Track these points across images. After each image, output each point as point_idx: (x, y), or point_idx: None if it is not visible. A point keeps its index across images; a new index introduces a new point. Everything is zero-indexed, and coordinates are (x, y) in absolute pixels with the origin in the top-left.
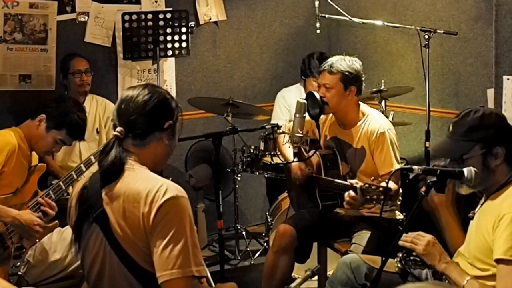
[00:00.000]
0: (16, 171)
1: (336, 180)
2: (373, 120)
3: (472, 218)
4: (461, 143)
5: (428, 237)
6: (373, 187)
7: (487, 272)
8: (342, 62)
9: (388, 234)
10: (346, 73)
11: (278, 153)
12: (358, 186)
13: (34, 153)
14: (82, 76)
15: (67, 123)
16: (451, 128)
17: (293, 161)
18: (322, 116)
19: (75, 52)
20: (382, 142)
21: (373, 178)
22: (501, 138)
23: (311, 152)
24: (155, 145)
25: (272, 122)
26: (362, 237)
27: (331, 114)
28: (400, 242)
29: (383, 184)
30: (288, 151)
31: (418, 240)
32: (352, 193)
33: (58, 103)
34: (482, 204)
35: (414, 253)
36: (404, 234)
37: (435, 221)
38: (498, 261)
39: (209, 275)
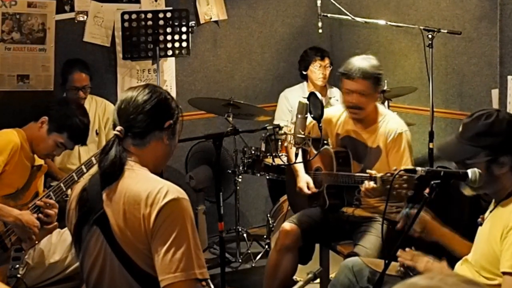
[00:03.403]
0: (18, 170)
1: (355, 174)
2: (391, 121)
3: (480, 224)
4: (467, 147)
5: (426, 258)
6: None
7: (493, 282)
8: (366, 64)
9: (391, 235)
10: (376, 75)
11: (280, 155)
12: (378, 176)
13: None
14: (78, 93)
15: (68, 127)
16: (460, 128)
17: (295, 162)
18: (335, 114)
19: (74, 56)
20: (399, 143)
21: (395, 168)
22: (509, 147)
23: (319, 150)
24: (155, 145)
25: (274, 122)
26: (366, 238)
27: (343, 112)
28: (400, 260)
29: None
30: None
31: (417, 259)
32: (371, 183)
33: (61, 106)
34: (491, 211)
35: None
36: (401, 251)
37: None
38: (506, 274)
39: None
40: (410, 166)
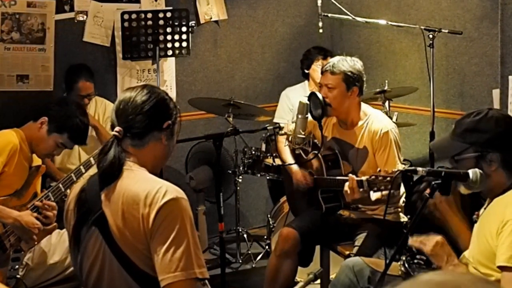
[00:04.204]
0: (16, 171)
1: (338, 177)
2: (376, 120)
3: (475, 221)
4: (456, 143)
5: (437, 237)
6: (380, 177)
7: (490, 278)
8: (344, 62)
9: (392, 236)
10: (349, 73)
11: (274, 155)
12: (364, 179)
13: (35, 154)
14: (83, 100)
15: (69, 127)
16: (453, 126)
17: (293, 163)
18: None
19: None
20: (385, 142)
21: (379, 169)
22: (496, 144)
23: (311, 155)
24: (154, 145)
25: (275, 121)
26: (365, 239)
27: None
28: (410, 242)
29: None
30: (288, 154)
31: (427, 240)
32: (353, 183)
33: (61, 106)
34: (485, 208)
35: (418, 256)
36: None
37: (447, 231)
38: (501, 268)
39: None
40: (399, 166)
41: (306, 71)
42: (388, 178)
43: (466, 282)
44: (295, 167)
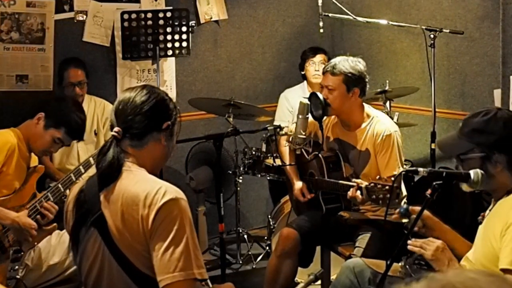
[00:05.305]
0: (15, 171)
1: (340, 181)
2: (379, 123)
3: (481, 222)
4: (463, 143)
5: (438, 242)
6: (379, 185)
7: None
8: (345, 63)
9: (393, 237)
10: (349, 74)
11: (275, 155)
12: (363, 185)
13: (33, 155)
14: (75, 89)
15: (66, 122)
16: (460, 124)
17: (293, 164)
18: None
19: (73, 56)
20: (387, 145)
21: (378, 176)
22: (503, 146)
23: (312, 155)
24: (153, 146)
25: (275, 123)
26: (366, 240)
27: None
28: (409, 247)
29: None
30: (289, 154)
31: (427, 245)
32: (357, 193)
33: (57, 102)
34: (490, 209)
35: (419, 257)
36: (413, 239)
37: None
38: (504, 271)
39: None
40: (400, 169)
41: (302, 72)
42: (387, 187)
43: (484, 283)
44: (296, 183)
